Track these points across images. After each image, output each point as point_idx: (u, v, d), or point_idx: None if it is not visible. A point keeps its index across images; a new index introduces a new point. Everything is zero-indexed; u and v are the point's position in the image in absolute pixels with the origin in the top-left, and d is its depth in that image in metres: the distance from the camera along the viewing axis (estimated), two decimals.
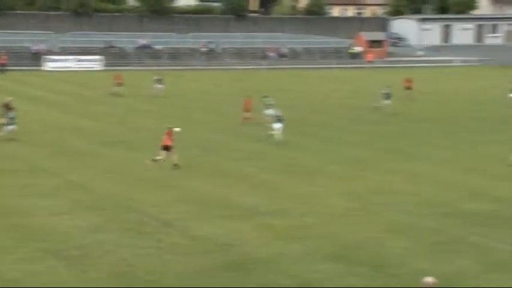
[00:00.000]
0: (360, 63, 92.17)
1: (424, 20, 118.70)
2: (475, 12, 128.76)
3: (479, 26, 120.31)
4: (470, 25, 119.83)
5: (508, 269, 22.75)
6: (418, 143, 42.67)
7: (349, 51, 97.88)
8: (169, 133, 35.66)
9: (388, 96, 52.76)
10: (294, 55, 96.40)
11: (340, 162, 37.50)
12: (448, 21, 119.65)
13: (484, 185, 32.80)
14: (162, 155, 35.40)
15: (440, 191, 31.76)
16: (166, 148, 35.35)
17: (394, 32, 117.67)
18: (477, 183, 33.14)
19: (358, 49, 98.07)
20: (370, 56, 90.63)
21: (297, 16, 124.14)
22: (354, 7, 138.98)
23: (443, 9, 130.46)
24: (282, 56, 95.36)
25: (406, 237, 25.59)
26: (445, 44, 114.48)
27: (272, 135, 41.17)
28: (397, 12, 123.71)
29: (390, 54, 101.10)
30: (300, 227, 26.71)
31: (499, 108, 56.78)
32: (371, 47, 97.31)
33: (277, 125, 41.25)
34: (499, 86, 71.21)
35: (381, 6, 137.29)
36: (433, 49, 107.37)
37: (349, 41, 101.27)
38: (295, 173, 35.16)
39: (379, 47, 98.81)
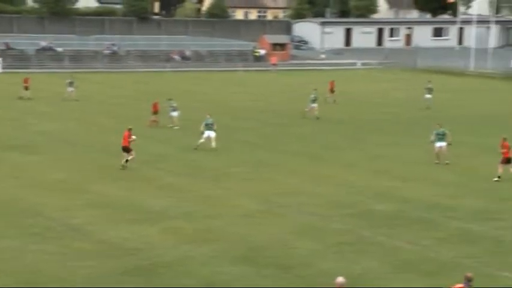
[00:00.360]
0: (264, 66, 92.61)
1: (326, 23, 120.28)
2: (375, 16, 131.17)
3: (380, 30, 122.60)
4: (371, 29, 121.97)
5: (413, 268, 23.10)
6: (325, 145, 43.02)
7: (254, 54, 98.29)
8: (128, 134, 35.84)
9: (314, 99, 52.51)
10: (198, 58, 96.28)
11: (245, 164, 37.54)
12: (350, 25, 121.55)
13: (390, 186, 33.25)
14: (124, 156, 35.68)
15: (347, 193, 32.09)
16: (125, 149, 35.68)
17: (297, 35, 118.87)
18: (383, 185, 33.57)
19: (262, 52, 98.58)
20: (274, 59, 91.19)
21: (201, 19, 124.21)
22: (256, 10, 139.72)
23: (344, 13, 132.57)
24: (186, 58, 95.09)
25: (313, 239, 25.75)
26: (346, 47, 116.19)
27: (202, 143, 40.30)
28: (299, 15, 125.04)
29: (294, 57, 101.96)
30: (207, 229, 26.60)
31: (404, 111, 57.76)
32: (274, 49, 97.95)
33: (208, 133, 40.54)
34: (401, 88, 72.66)
35: (283, 10, 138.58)
36: (335, 52, 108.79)
37: (253, 44, 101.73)
38: (201, 175, 35.05)
39: (283, 50, 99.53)
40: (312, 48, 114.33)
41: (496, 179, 34.29)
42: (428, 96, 58.34)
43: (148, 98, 55.55)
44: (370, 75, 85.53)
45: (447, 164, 37.64)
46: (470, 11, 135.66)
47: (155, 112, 48.43)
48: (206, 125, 40.49)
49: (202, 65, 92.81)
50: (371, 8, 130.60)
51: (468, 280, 17.37)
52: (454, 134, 41.87)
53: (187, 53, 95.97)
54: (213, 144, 40.11)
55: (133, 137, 36.27)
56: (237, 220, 27.76)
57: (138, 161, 37.68)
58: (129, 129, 36.34)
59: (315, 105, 52.15)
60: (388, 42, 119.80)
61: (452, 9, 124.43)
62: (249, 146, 42.18)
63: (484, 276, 20.83)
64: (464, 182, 34.31)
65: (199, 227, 26.87)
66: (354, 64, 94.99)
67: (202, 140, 40.29)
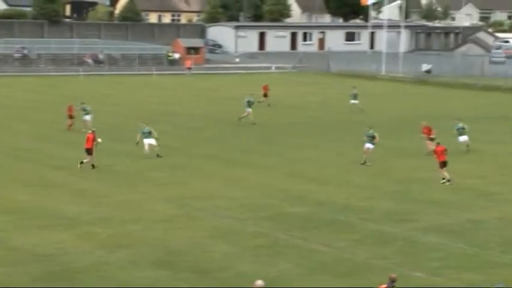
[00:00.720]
0: (179, 70, 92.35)
1: (240, 27, 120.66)
2: (289, 21, 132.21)
3: (293, 34, 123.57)
4: (285, 33, 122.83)
5: (328, 270, 23.35)
6: (242, 149, 43.05)
7: (168, 57, 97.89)
8: (92, 137, 36.46)
9: (250, 103, 52.20)
10: (111, 61, 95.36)
11: (161, 168, 37.35)
12: (263, 29, 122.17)
13: (305, 189, 33.48)
14: (86, 158, 36.16)
15: (262, 196, 32.20)
16: (88, 151, 36.20)
17: (211, 38, 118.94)
18: (299, 188, 33.77)
19: (176, 56, 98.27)
20: (188, 63, 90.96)
21: (114, 22, 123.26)
22: (170, 14, 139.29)
23: (258, 17, 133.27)
24: (99, 62, 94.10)
25: (230, 242, 25.81)
26: (261, 51, 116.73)
27: (147, 153, 39.58)
28: (212, 19, 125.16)
29: (208, 61, 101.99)
30: (123, 234, 26.40)
31: (320, 114, 58.15)
32: (189, 53, 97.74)
33: (148, 141, 39.63)
34: (316, 92, 73.26)
35: (197, 13, 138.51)
36: (249, 56, 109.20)
37: (167, 48, 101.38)
38: (116, 180, 34.74)
39: (197, 54, 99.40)
40: (226, 52, 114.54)
41: (442, 181, 34.63)
42: (353, 101, 59.09)
43: (61, 102, 54.80)
44: (285, 79, 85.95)
45: (368, 165, 38.24)
46: (381, 16, 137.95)
47: (70, 116, 47.79)
48: (143, 133, 39.89)
49: (116, 69, 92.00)
50: (284, 13, 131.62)
51: (392, 281, 17.94)
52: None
53: (101, 56, 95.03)
54: (156, 149, 39.51)
55: (99, 139, 36.86)
56: (153, 225, 27.62)
57: (51, 166, 37.24)
58: (93, 131, 37.03)
59: (249, 109, 51.97)
60: (301, 46, 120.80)
61: (364, 14, 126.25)
62: (164, 150, 41.83)
63: (397, 277, 21.13)
64: (378, 184, 34.79)
65: (115, 232, 26.64)
66: (269, 68, 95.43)
67: (146, 149, 39.54)
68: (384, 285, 17.92)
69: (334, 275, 22.93)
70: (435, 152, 35.16)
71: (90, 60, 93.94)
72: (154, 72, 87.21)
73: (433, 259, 24.44)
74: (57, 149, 41.91)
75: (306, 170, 37.71)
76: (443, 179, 34.65)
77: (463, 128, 42.45)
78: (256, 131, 49.58)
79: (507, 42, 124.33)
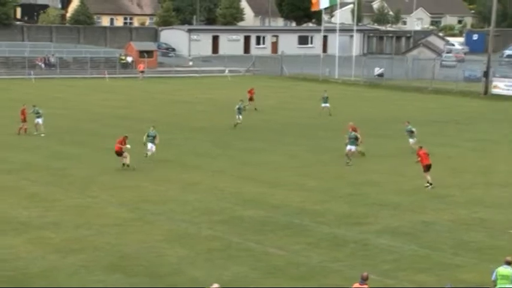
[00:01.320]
0: (132, 73, 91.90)
1: (193, 30, 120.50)
2: (242, 24, 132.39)
3: (246, 37, 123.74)
4: (238, 36, 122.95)
5: (283, 273, 23.36)
6: (194, 152, 42.91)
7: (120, 61, 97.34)
8: (122, 141, 37.31)
9: (240, 110, 52.06)
10: (63, 64, 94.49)
11: (113, 172, 37.10)
12: (217, 32, 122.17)
13: (259, 193, 33.50)
14: (121, 160, 37.48)
15: (216, 199, 32.14)
16: (117, 153, 37.40)
17: (164, 42, 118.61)
18: (252, 191, 33.78)
19: (129, 59, 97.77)
20: (141, 66, 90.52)
21: (66, 25, 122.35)
22: (122, 17, 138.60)
23: (211, 21, 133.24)
24: (50, 65, 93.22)
25: (183, 246, 25.72)
26: (214, 55, 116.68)
27: (147, 155, 39.37)
28: (165, 22, 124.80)
29: (161, 64, 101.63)
30: (75, 239, 26.17)
31: (274, 117, 58.09)
32: (142, 57, 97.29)
33: (151, 145, 39.40)
34: (270, 95, 73.28)
35: (150, 17, 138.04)
36: (203, 59, 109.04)
37: (120, 51, 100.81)
38: (68, 184, 34.44)
39: (150, 57, 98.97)
40: (179, 56, 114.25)
41: (426, 185, 34.82)
42: (324, 105, 59.40)
43: (12, 105, 54.16)
44: (238, 83, 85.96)
45: (350, 165, 39.02)
46: (333, 20, 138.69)
47: (23, 119, 47.22)
48: (148, 136, 39.58)
49: (67, 72, 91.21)
50: (237, 16, 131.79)
51: (363, 279, 18.61)
52: (322, 140, 42.67)
53: (52, 59, 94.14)
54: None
55: (128, 146, 37.42)
56: (106, 229, 27.40)
57: (2, 170, 36.83)
58: (125, 137, 37.69)
59: (240, 116, 51.69)
60: (254, 50, 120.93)
61: (317, 18, 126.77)
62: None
63: (350, 279, 21.24)
64: (332, 188, 34.89)
65: (67, 236, 26.40)
66: (222, 71, 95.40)
67: (149, 153, 39.40)
68: (356, 284, 18.51)
69: (288, 278, 22.96)
70: (418, 155, 35.08)
71: (41, 64, 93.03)
72: (106, 76, 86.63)
73: (386, 261, 24.61)
74: (8, 152, 41.41)
75: (259, 173, 37.71)
76: (428, 183, 34.77)
77: (412, 131, 42.72)
78: (210, 134, 49.48)
79: (453, 45, 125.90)
